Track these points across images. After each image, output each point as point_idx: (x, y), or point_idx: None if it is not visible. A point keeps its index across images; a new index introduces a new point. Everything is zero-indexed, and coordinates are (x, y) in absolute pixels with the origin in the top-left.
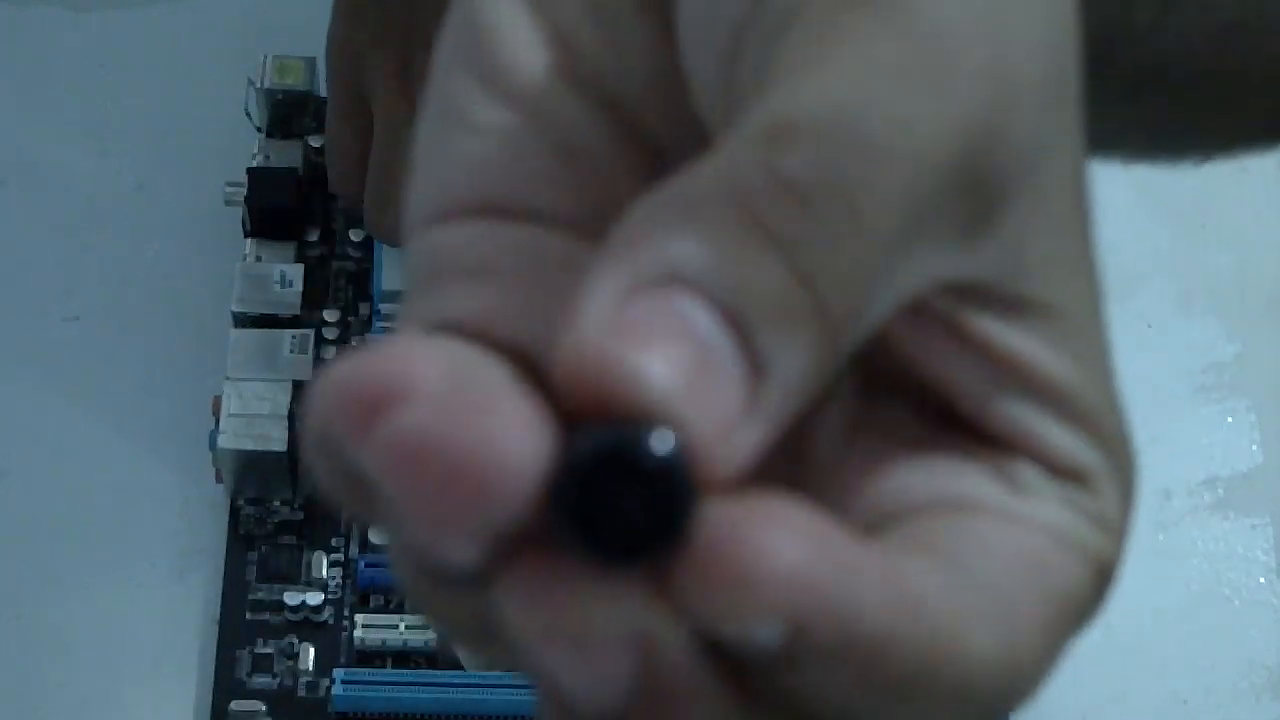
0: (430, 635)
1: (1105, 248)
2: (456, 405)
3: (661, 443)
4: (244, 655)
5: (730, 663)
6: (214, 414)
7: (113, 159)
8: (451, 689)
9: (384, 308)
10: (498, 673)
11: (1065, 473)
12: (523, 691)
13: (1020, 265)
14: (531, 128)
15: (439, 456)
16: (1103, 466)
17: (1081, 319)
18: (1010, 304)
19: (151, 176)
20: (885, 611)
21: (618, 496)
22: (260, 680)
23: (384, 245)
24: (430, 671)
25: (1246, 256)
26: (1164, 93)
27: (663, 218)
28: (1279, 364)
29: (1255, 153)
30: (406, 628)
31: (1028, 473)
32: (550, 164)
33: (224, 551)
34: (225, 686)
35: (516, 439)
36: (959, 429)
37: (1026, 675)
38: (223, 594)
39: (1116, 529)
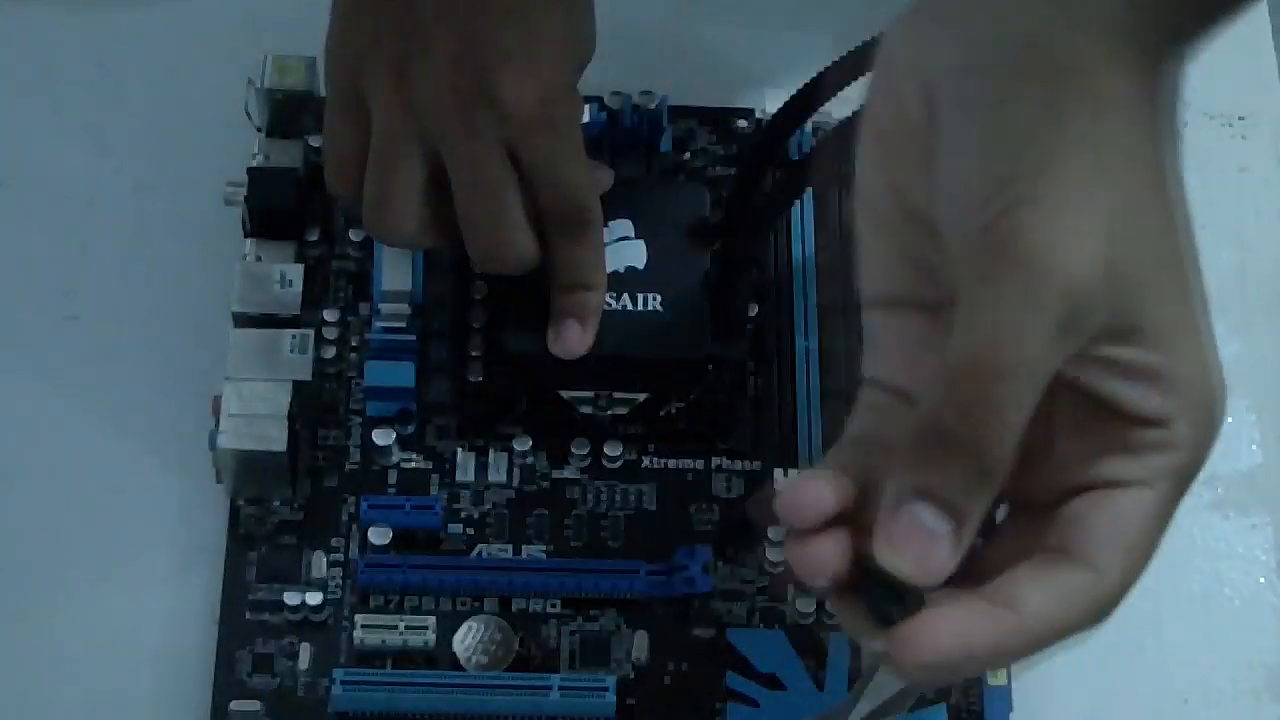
0: (430, 635)
1: None
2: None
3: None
4: (243, 655)
5: None
6: (214, 414)
7: (112, 159)
8: (451, 689)
9: (384, 307)
10: (496, 673)
11: (1151, 421)
12: (523, 692)
13: (1141, 325)
14: (899, 246)
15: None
16: (1178, 410)
17: (1180, 328)
18: (1126, 335)
19: (151, 177)
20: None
21: (888, 593)
22: (260, 680)
23: (384, 245)
24: (430, 671)
25: (1247, 256)
26: None
27: (907, 454)
28: (1279, 364)
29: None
30: (406, 628)
31: (1140, 435)
32: (911, 269)
33: (224, 551)
34: (225, 686)
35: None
36: (1104, 412)
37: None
38: (222, 594)
39: (1187, 446)
